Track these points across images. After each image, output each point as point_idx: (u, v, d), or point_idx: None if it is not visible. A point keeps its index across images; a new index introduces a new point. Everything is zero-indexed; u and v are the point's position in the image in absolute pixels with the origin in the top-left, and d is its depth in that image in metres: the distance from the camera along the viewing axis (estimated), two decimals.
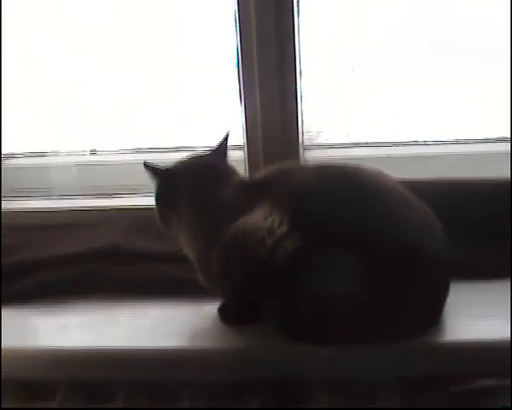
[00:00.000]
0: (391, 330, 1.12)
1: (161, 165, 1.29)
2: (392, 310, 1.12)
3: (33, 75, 1.55)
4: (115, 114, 1.57)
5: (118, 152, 1.56)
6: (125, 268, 1.40)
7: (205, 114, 1.55)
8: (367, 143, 1.50)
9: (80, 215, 1.48)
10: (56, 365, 1.26)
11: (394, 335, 1.13)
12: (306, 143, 1.48)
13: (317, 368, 1.19)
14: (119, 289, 1.37)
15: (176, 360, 1.22)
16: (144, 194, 1.44)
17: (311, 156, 1.47)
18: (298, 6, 1.39)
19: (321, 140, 1.51)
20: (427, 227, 1.18)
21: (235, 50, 1.40)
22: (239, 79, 1.42)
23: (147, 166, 1.27)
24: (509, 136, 1.48)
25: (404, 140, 1.50)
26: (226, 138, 1.32)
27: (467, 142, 1.50)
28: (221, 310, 1.28)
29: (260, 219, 1.16)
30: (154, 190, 1.29)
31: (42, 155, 1.59)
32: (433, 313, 1.20)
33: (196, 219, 1.24)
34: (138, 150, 1.55)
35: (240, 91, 1.42)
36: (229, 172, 1.29)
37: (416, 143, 1.50)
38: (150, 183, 1.29)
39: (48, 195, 1.53)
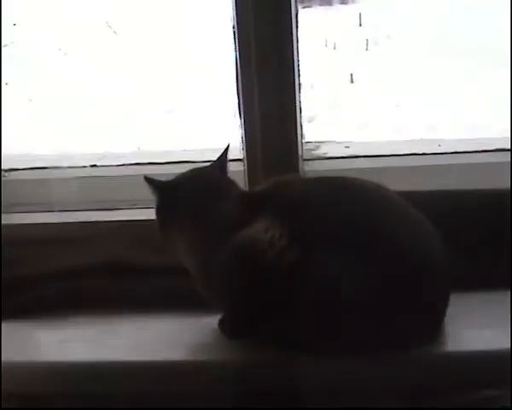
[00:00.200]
0: (391, 341, 1.13)
1: (161, 178, 1.29)
2: (392, 320, 1.12)
3: (33, 77, 1.55)
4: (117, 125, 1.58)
5: (118, 165, 1.57)
6: (125, 282, 1.40)
7: (204, 126, 1.56)
8: (366, 154, 1.51)
9: (80, 229, 1.47)
10: (57, 378, 1.26)
11: (394, 345, 1.13)
12: (306, 155, 1.48)
13: (317, 381, 1.19)
14: (120, 303, 1.38)
15: (176, 372, 1.23)
16: (145, 207, 1.44)
17: (311, 168, 1.47)
18: (297, 18, 1.40)
19: (320, 152, 1.51)
20: (426, 238, 1.18)
21: (234, 63, 1.41)
22: (238, 91, 1.42)
23: (147, 179, 1.28)
24: (507, 147, 1.49)
25: (403, 152, 1.51)
26: (226, 151, 1.33)
27: (465, 153, 1.50)
28: (222, 323, 1.28)
29: (261, 231, 1.16)
30: (154, 204, 1.30)
31: (42, 168, 1.59)
32: (433, 324, 1.20)
33: (196, 232, 1.24)
34: (138, 163, 1.55)
35: (239, 104, 1.43)
36: (229, 184, 1.30)
37: (414, 155, 1.50)
38: (150, 196, 1.30)
39: (48, 209, 1.53)
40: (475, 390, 1.20)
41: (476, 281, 1.31)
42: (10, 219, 1.49)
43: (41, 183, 1.55)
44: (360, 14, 3.11)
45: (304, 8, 1.54)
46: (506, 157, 1.47)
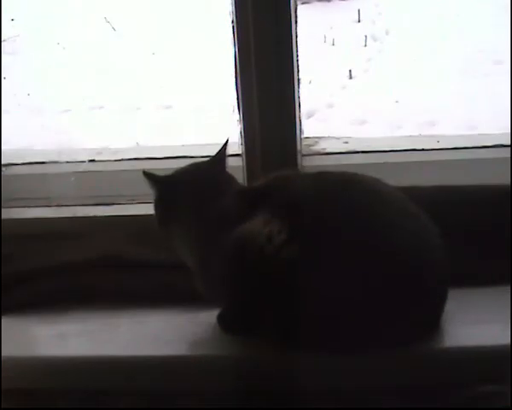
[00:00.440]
0: (389, 337, 1.13)
1: (160, 173, 1.29)
2: (390, 317, 1.12)
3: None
4: (115, 120, 1.57)
5: (116, 160, 1.56)
6: (123, 277, 1.40)
7: (203, 121, 1.56)
8: (365, 150, 1.51)
9: (78, 224, 1.47)
10: (55, 373, 1.26)
11: (393, 341, 1.14)
12: (304, 150, 1.48)
13: (315, 377, 1.20)
14: (119, 298, 1.38)
15: (175, 367, 1.23)
16: (143, 202, 1.43)
17: (309, 164, 1.47)
18: (296, 14, 1.40)
19: (319, 148, 1.51)
20: (425, 234, 1.18)
21: (233, 58, 1.40)
22: (237, 86, 1.42)
23: (146, 174, 1.27)
24: (505, 143, 1.49)
25: (401, 147, 1.51)
26: (225, 146, 1.32)
27: (464, 148, 1.50)
28: (220, 318, 1.28)
29: (259, 226, 1.16)
30: (153, 198, 1.30)
31: (40, 163, 1.59)
32: (431, 320, 1.20)
33: (195, 227, 1.24)
34: (137, 158, 1.55)
35: (238, 99, 1.42)
36: (227, 180, 1.29)
37: (413, 150, 1.50)
38: (149, 191, 1.29)
39: (46, 204, 1.53)
40: (474, 386, 1.21)
41: (476, 277, 1.31)
42: (8, 213, 1.48)
43: (39, 177, 1.55)
44: (359, 10, 3.11)
45: (303, 3, 1.54)
46: (505, 153, 1.47)
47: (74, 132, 1.61)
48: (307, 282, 1.12)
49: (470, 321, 1.23)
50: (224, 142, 1.32)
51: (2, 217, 1.46)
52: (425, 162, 1.48)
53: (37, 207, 1.52)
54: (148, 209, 1.32)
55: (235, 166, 1.40)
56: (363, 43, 2.79)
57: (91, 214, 1.48)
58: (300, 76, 1.44)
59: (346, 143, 1.54)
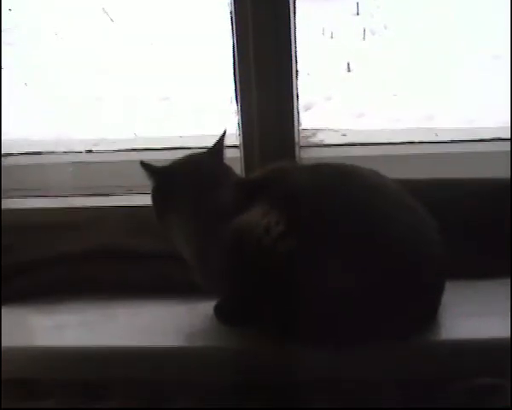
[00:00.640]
0: (387, 330, 1.13)
1: (158, 164, 1.29)
2: (387, 310, 1.12)
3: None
4: (113, 112, 1.57)
5: (114, 151, 1.56)
6: (121, 267, 1.40)
7: (201, 113, 1.55)
8: (363, 142, 1.51)
9: (77, 214, 1.47)
10: (53, 363, 1.26)
11: (390, 334, 1.14)
12: (302, 142, 1.48)
13: (313, 369, 1.20)
14: (116, 288, 1.38)
15: (172, 358, 1.23)
16: (141, 193, 1.43)
17: (307, 156, 1.47)
18: (294, 5, 1.39)
19: (316, 139, 1.51)
20: (422, 226, 1.18)
21: (232, 50, 1.40)
22: (235, 78, 1.42)
23: (143, 164, 1.27)
24: (503, 136, 1.49)
25: (400, 140, 1.51)
26: (223, 137, 1.32)
27: (462, 142, 1.50)
28: (217, 309, 1.28)
29: (257, 217, 1.16)
30: (150, 189, 1.30)
31: (38, 153, 1.58)
32: (428, 312, 1.20)
33: (192, 218, 1.24)
34: (134, 149, 1.55)
35: (236, 90, 1.42)
36: (225, 171, 1.29)
37: (411, 143, 1.51)
38: (147, 182, 1.29)
39: (44, 194, 1.53)
40: (471, 379, 1.21)
41: (473, 270, 1.31)
42: (6, 204, 1.48)
43: (36, 168, 1.55)
44: (357, 3, 3.10)
45: None
46: (503, 147, 1.47)
47: (71, 123, 1.60)
48: (305, 274, 1.12)
49: (467, 314, 1.23)
50: (222, 133, 1.32)
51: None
52: (423, 155, 1.49)
53: (34, 197, 1.52)
54: (146, 200, 1.32)
55: (232, 157, 1.39)
56: (362, 37, 2.79)
57: (89, 205, 1.48)
58: (299, 68, 1.44)
59: (344, 135, 1.54)
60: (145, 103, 1.58)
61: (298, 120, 1.45)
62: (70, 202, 1.49)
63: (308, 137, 1.51)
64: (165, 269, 1.37)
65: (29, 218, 1.46)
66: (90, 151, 1.57)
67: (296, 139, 1.45)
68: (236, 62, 1.41)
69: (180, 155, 1.33)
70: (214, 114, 1.54)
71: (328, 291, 1.11)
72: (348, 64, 2.63)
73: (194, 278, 1.25)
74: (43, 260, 1.42)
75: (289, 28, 1.39)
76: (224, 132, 1.32)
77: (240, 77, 1.41)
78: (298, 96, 1.44)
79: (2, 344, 1.23)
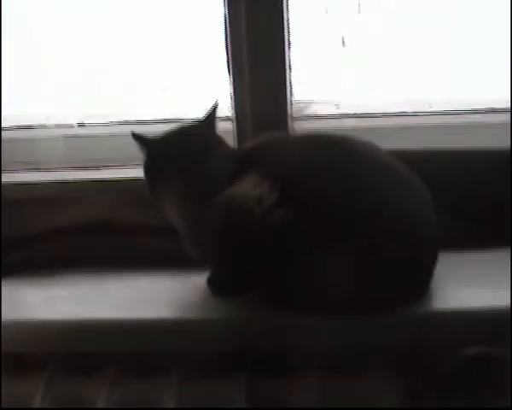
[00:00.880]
0: (379, 300, 1.13)
1: (150, 135, 1.28)
2: (380, 280, 1.12)
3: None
4: (102, 82, 1.55)
5: (106, 124, 1.55)
6: (114, 240, 1.39)
7: (193, 84, 1.54)
8: (356, 114, 1.50)
9: (68, 188, 1.46)
10: (45, 337, 1.25)
11: (382, 305, 1.13)
12: (295, 114, 1.47)
13: (304, 339, 1.19)
14: (108, 262, 1.37)
15: (164, 330, 1.22)
16: (133, 166, 1.43)
17: (300, 127, 1.46)
18: None
19: (310, 111, 1.50)
20: (416, 197, 1.18)
21: (223, 20, 1.39)
22: (227, 49, 1.40)
23: (135, 136, 1.26)
24: (498, 107, 1.48)
25: (394, 111, 1.50)
26: (214, 108, 1.31)
27: (456, 113, 1.50)
28: (210, 281, 1.28)
29: (249, 187, 1.15)
30: (142, 161, 1.29)
31: (29, 127, 1.57)
32: (421, 283, 1.20)
33: (185, 189, 1.23)
34: (126, 122, 1.54)
35: (228, 62, 1.41)
36: (217, 142, 1.28)
37: (405, 115, 1.50)
38: (139, 155, 1.28)
39: (35, 168, 1.52)
40: (464, 348, 1.21)
41: (466, 241, 1.31)
42: None
43: (27, 142, 1.54)
44: None
45: None
46: (497, 118, 1.47)
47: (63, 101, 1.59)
48: (298, 244, 1.12)
49: (460, 284, 1.23)
50: (214, 104, 1.31)
51: None
52: (417, 126, 1.48)
53: (26, 171, 1.51)
54: (138, 173, 1.31)
55: (225, 129, 1.39)
56: (357, 10, 2.76)
57: (81, 178, 1.47)
58: (293, 43, 1.43)
59: (338, 106, 1.53)
60: (134, 71, 1.56)
61: (290, 92, 1.44)
62: (62, 175, 1.48)
63: (301, 109, 1.50)
64: (157, 241, 1.37)
65: (20, 192, 1.45)
66: (82, 125, 1.55)
67: (289, 111, 1.44)
68: (228, 34, 1.40)
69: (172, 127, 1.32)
70: (207, 86, 1.52)
71: (322, 262, 1.11)
72: (343, 38, 2.61)
73: (187, 250, 1.24)
74: (36, 234, 1.42)
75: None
76: (216, 103, 1.31)
77: (232, 49, 1.40)
78: (291, 68, 1.43)
79: None
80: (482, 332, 1.18)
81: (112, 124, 1.56)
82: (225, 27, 1.39)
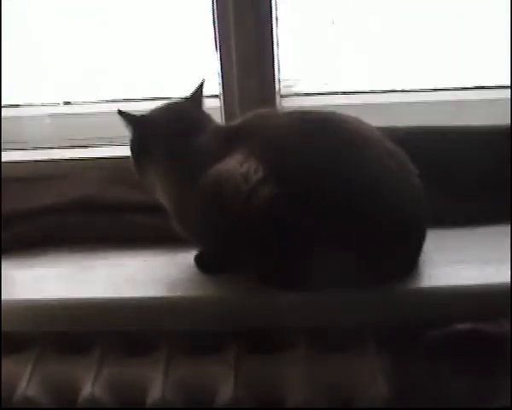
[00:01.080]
0: (367, 277, 1.13)
1: (136, 113, 1.27)
2: (368, 257, 1.12)
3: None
4: (87, 63, 1.54)
5: (92, 102, 1.54)
6: (101, 219, 1.39)
7: (180, 62, 1.53)
8: (345, 91, 1.49)
9: (55, 166, 1.45)
10: (33, 316, 1.25)
11: (370, 282, 1.14)
12: (283, 91, 1.46)
13: (292, 316, 1.20)
14: (95, 240, 1.37)
15: (153, 309, 1.22)
16: (119, 144, 1.42)
17: (288, 105, 1.46)
18: None
19: (298, 88, 1.49)
20: (403, 174, 1.17)
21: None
22: (214, 25, 1.39)
23: (121, 113, 1.25)
24: (486, 84, 1.48)
25: (382, 88, 1.49)
26: (201, 86, 1.30)
27: (444, 89, 1.49)
28: (198, 259, 1.28)
29: (236, 165, 1.15)
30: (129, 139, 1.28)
31: (15, 106, 1.56)
32: (409, 260, 1.20)
33: (172, 167, 1.22)
34: (113, 100, 1.53)
35: (215, 38, 1.40)
36: (204, 119, 1.27)
37: (393, 91, 1.49)
38: (126, 133, 1.27)
39: (21, 146, 1.51)
40: (451, 325, 1.21)
41: (456, 218, 1.32)
42: None
43: (13, 120, 1.52)
44: None
45: None
46: (486, 95, 1.47)
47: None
48: (285, 221, 1.11)
49: (448, 261, 1.23)
50: (201, 81, 1.30)
51: None
52: (406, 103, 1.47)
53: (12, 150, 1.50)
54: (125, 151, 1.30)
55: (213, 107, 1.38)
56: None
57: (67, 157, 1.46)
58: (279, 15, 1.41)
59: (326, 83, 1.52)
60: (120, 50, 1.55)
61: (278, 69, 1.43)
62: (47, 154, 1.47)
63: (289, 86, 1.49)
64: (145, 219, 1.36)
65: (6, 171, 1.44)
66: (68, 103, 1.54)
67: (277, 88, 1.43)
68: (215, 9, 1.38)
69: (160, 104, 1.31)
70: (194, 64, 1.51)
71: (309, 238, 1.11)
72: (332, 18, 2.60)
73: (174, 228, 1.24)
74: (22, 213, 1.40)
75: None
76: (203, 81, 1.30)
77: (219, 24, 1.39)
78: (278, 45, 1.42)
79: None
80: (470, 308, 1.18)
81: (99, 101, 1.55)
82: (212, 4, 1.38)
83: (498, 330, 1.19)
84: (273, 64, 1.41)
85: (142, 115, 1.27)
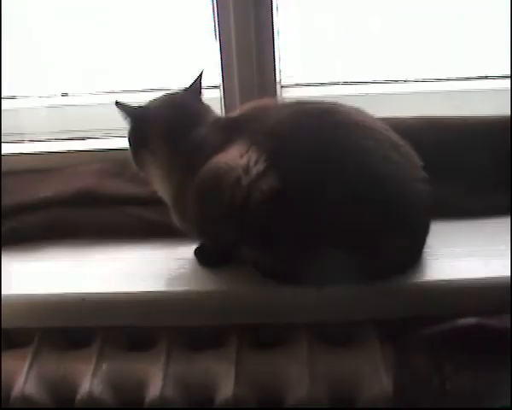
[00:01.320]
0: (370, 270, 1.11)
1: (135, 105, 1.25)
2: (372, 250, 1.11)
3: None
4: (86, 53, 1.52)
5: (90, 94, 1.52)
6: (99, 212, 1.37)
7: (180, 52, 1.51)
8: (345, 81, 1.48)
9: (52, 159, 1.44)
10: (30, 311, 1.24)
11: (373, 276, 1.12)
12: (283, 81, 1.45)
13: (293, 310, 1.19)
14: (93, 233, 1.35)
15: (152, 303, 1.21)
16: (117, 136, 1.40)
17: (288, 95, 1.44)
18: None
19: (298, 79, 1.48)
20: (407, 166, 1.16)
21: None
22: (214, 15, 1.37)
23: (119, 105, 1.23)
24: (490, 74, 1.46)
25: (384, 78, 1.48)
26: (200, 77, 1.28)
27: (447, 79, 1.48)
28: (197, 252, 1.27)
29: (236, 157, 1.13)
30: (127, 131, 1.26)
31: (12, 98, 1.54)
32: (413, 253, 1.19)
33: (170, 159, 1.20)
34: (111, 92, 1.51)
35: (215, 29, 1.38)
36: (203, 110, 1.25)
37: (395, 82, 1.48)
38: (124, 125, 1.25)
39: (19, 139, 1.50)
40: (454, 319, 1.20)
41: (459, 210, 1.30)
42: None
43: (10, 113, 1.51)
44: None
45: None
46: (487, 85, 1.46)
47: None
48: (285, 214, 1.09)
49: (453, 254, 1.22)
50: (200, 72, 1.28)
51: None
52: (407, 93, 1.46)
53: (8, 142, 1.48)
54: (123, 143, 1.29)
55: (212, 97, 1.36)
56: None
57: (65, 149, 1.44)
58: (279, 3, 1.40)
59: (327, 73, 1.50)
60: (120, 41, 1.53)
61: (279, 59, 1.42)
62: (45, 146, 1.46)
63: (290, 76, 1.47)
64: (144, 213, 1.35)
65: (3, 163, 1.42)
66: (65, 94, 1.53)
67: (277, 78, 1.41)
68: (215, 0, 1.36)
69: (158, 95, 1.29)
70: (194, 54, 1.50)
71: (310, 231, 1.09)
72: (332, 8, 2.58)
73: (173, 221, 1.22)
74: (19, 206, 1.39)
75: None
76: (202, 72, 1.28)
77: (219, 14, 1.37)
78: (279, 33, 1.40)
79: None
80: (475, 302, 1.17)
81: (97, 93, 1.53)
82: None
83: (503, 325, 1.17)
84: (273, 54, 1.39)
85: (140, 107, 1.25)
